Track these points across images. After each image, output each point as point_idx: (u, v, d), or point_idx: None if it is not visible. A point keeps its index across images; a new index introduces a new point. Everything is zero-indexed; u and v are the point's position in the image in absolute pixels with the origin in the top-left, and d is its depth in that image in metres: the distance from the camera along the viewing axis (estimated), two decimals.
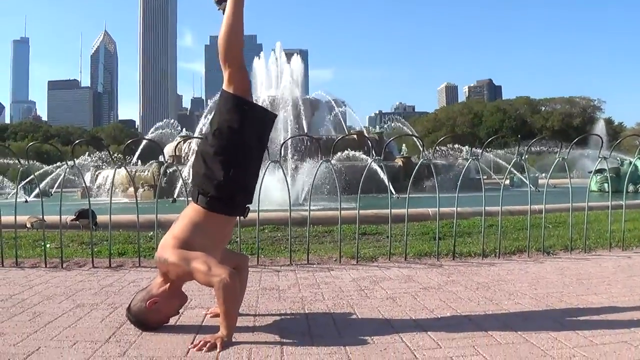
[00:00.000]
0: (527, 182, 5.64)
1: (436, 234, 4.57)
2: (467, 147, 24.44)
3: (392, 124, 30.23)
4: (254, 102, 2.48)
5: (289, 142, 15.31)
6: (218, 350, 2.05)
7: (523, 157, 5.06)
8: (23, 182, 13.32)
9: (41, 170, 20.66)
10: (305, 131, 20.63)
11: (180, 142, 15.45)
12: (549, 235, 5.13)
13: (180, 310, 2.49)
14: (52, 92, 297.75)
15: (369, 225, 6.08)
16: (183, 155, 19.69)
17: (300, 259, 4.24)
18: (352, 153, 17.57)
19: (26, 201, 11.97)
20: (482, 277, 3.54)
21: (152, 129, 29.03)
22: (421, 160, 4.78)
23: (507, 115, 78.50)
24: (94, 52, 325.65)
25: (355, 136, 20.13)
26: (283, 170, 4.43)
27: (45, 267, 4.01)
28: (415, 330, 2.30)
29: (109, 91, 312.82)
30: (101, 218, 5.98)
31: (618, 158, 18.30)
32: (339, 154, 16.19)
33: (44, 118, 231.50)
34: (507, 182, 17.42)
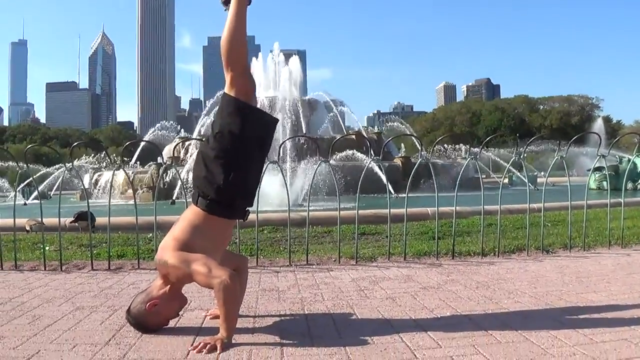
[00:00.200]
0: (526, 181, 5.65)
1: (435, 234, 4.56)
2: (467, 146, 24.47)
3: (390, 124, 30.20)
4: (257, 106, 2.45)
5: (288, 142, 15.31)
6: (218, 352, 2.04)
7: (522, 156, 5.07)
8: (22, 185, 13.29)
9: (40, 173, 20.61)
10: (304, 132, 20.64)
11: (178, 143, 15.42)
12: (548, 233, 5.13)
13: (180, 312, 2.48)
14: (50, 94, 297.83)
15: (368, 225, 6.06)
16: (181, 156, 19.66)
17: (300, 259, 4.24)
18: (351, 152, 17.56)
19: (25, 204, 11.96)
20: (481, 276, 3.54)
21: (150, 131, 29.02)
22: (419, 159, 4.78)
23: (505, 114, 78.53)
24: (92, 54, 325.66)
25: (354, 136, 20.13)
26: (282, 171, 4.43)
27: (45, 269, 4.00)
28: (415, 330, 2.29)
29: (107, 93, 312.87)
30: (100, 220, 5.97)
31: (616, 156, 18.36)
32: (337, 154, 16.18)
33: (42, 120, 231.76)
34: (506, 180, 17.46)
